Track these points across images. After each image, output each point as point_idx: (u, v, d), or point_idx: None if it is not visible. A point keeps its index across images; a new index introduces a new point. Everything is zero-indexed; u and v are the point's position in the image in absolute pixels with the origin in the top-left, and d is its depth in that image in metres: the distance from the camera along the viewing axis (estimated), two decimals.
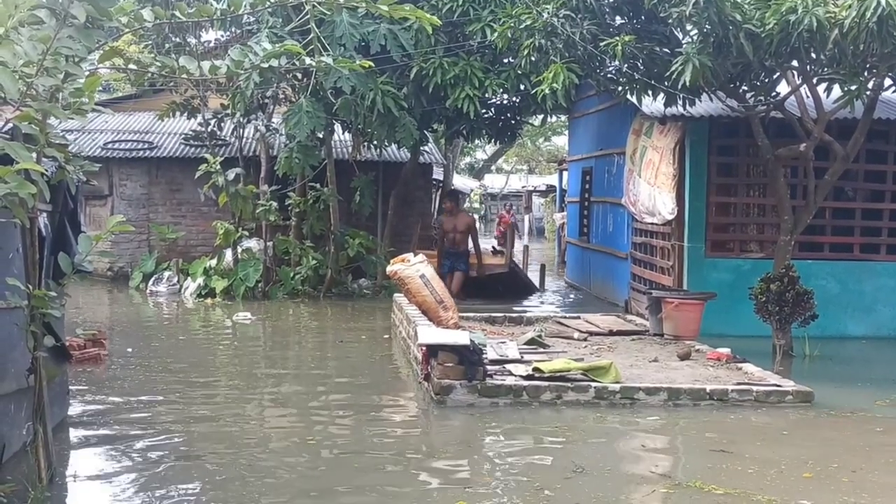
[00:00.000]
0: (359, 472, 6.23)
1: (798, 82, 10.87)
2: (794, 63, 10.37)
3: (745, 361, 9.42)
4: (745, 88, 11.10)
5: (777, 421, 7.76)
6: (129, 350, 10.90)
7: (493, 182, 53.17)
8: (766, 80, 10.95)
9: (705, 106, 11.98)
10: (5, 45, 4.40)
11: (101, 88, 5.47)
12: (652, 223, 13.52)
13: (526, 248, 22.07)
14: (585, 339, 10.83)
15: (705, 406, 8.06)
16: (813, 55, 9.88)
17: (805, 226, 11.41)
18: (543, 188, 44.77)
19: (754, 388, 8.30)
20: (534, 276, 19.05)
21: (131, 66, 5.78)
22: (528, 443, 7.07)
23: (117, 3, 5.04)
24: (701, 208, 12.56)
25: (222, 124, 17.47)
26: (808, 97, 10.93)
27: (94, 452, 6.62)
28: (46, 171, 5.03)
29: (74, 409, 7.62)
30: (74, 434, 7.03)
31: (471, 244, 16.05)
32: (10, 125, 4.95)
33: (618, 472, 6.31)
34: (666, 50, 10.77)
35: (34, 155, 4.82)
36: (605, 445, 7.04)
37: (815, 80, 10.56)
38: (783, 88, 11.31)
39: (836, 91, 10.45)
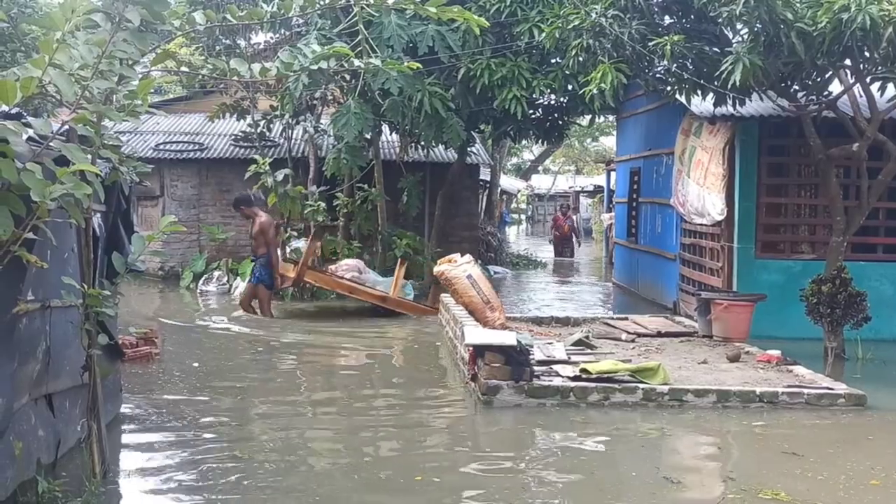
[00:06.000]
0: (409, 474, 6.23)
1: (851, 81, 10.71)
2: (847, 62, 10.22)
3: (796, 364, 9.30)
4: (797, 88, 10.96)
5: (832, 425, 7.65)
6: (180, 349, 11.06)
7: (540, 183, 53.05)
8: (818, 80, 10.79)
9: (755, 105, 11.84)
10: (62, 48, 4.49)
11: (152, 90, 5.55)
12: (701, 224, 13.39)
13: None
14: (633, 341, 10.76)
15: (755, 408, 7.97)
16: (866, 54, 9.74)
17: (858, 227, 11.23)
18: (591, 189, 44.65)
19: (805, 390, 8.19)
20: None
21: (183, 68, 5.87)
22: (585, 446, 6.99)
23: (170, 6, 5.13)
24: (751, 209, 12.42)
25: (271, 125, 17.65)
26: (861, 96, 10.75)
27: (147, 448, 6.71)
28: (101, 172, 5.13)
29: (127, 405, 7.73)
30: (127, 430, 7.13)
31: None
32: (67, 127, 5.05)
33: (691, 480, 6.18)
34: (716, 49, 10.67)
35: (89, 156, 4.92)
36: (666, 451, 6.97)
37: (868, 79, 10.39)
38: (835, 87, 11.14)
39: (891, 90, 10.30)
